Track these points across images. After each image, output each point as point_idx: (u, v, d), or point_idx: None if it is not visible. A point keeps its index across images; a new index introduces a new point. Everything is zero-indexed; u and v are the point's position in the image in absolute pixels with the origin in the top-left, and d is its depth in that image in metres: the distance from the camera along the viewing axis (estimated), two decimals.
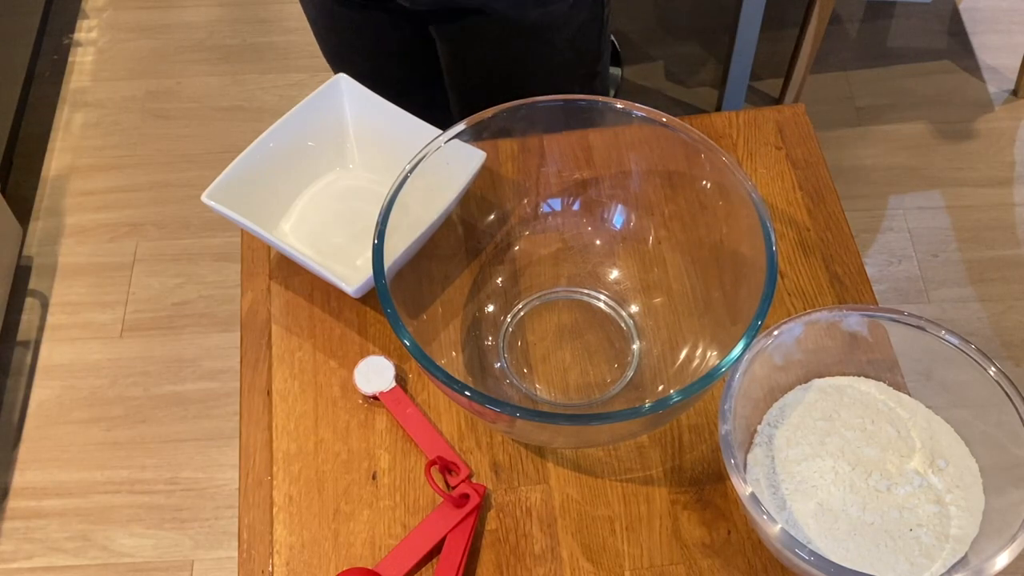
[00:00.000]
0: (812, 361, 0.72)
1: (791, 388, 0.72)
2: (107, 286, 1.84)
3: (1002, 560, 0.60)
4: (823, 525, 0.66)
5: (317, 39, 1.15)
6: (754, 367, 0.67)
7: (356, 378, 0.77)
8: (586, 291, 0.81)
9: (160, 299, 1.83)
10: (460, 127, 0.75)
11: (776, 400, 0.72)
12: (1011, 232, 1.89)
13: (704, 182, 0.75)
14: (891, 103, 2.07)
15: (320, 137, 0.85)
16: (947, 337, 0.67)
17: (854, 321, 0.70)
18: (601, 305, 0.81)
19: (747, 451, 0.69)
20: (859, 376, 0.73)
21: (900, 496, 0.66)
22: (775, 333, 0.68)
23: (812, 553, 0.59)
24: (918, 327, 0.68)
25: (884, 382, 0.72)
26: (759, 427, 0.70)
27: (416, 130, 0.81)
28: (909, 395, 0.72)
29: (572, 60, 1.05)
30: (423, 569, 0.70)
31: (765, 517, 0.60)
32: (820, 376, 0.73)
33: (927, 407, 0.71)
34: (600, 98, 0.75)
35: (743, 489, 0.62)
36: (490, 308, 0.80)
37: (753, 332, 0.65)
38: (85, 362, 1.75)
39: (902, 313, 0.69)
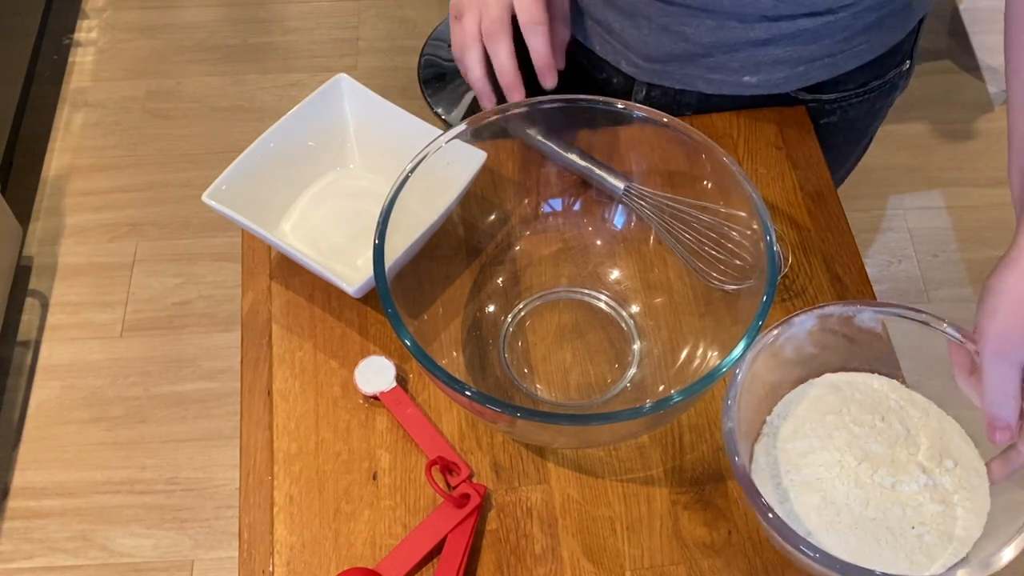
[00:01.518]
0: (820, 356, 0.72)
1: (799, 383, 0.72)
2: (107, 286, 1.84)
3: (1008, 554, 0.60)
4: (825, 518, 0.66)
5: None
6: (760, 363, 0.67)
7: (357, 378, 0.76)
8: (587, 291, 0.81)
9: (160, 299, 1.82)
10: (461, 127, 0.74)
11: (784, 394, 0.71)
12: (1011, 232, 1.88)
13: (705, 182, 0.75)
14: None
15: (320, 137, 0.85)
16: (951, 332, 0.67)
17: (867, 317, 0.70)
18: (602, 305, 0.81)
19: (752, 443, 0.69)
20: (869, 372, 0.73)
21: (905, 493, 0.66)
22: (784, 327, 0.68)
23: (809, 545, 0.59)
24: (924, 323, 0.68)
25: (895, 379, 0.72)
26: (767, 418, 0.70)
27: (416, 130, 0.81)
28: (920, 393, 0.72)
29: None
30: (424, 569, 0.70)
31: (768, 514, 0.60)
32: (829, 371, 0.72)
33: (938, 406, 0.71)
34: (600, 98, 0.75)
35: (743, 472, 0.61)
36: (491, 308, 0.80)
37: (754, 332, 0.65)
38: (85, 362, 1.75)
39: (910, 309, 0.69)
